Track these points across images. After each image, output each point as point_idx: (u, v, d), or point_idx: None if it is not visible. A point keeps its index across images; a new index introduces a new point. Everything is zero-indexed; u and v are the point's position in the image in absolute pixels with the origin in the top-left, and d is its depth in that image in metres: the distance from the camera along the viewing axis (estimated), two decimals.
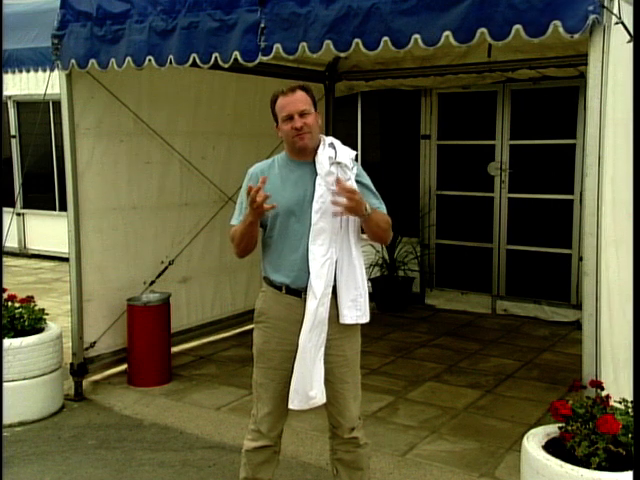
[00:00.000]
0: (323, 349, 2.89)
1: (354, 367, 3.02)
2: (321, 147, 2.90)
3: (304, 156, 2.91)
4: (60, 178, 9.80)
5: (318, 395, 2.90)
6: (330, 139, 2.95)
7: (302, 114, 2.83)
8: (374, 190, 3.02)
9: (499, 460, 3.91)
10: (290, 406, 2.93)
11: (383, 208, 3.01)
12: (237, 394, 4.91)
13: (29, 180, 10.29)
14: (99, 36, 4.33)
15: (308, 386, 2.87)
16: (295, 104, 2.83)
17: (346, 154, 2.91)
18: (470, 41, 3.14)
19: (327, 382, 2.95)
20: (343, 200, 2.74)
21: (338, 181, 2.77)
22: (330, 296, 2.86)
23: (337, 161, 2.84)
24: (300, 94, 2.85)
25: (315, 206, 2.83)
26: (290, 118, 2.83)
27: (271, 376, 2.98)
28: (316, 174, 2.87)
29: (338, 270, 2.89)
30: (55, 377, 4.70)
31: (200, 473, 3.86)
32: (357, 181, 2.93)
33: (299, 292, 2.90)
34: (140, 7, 4.17)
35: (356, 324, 2.99)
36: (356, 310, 2.92)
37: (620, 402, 2.83)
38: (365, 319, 2.97)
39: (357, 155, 3.00)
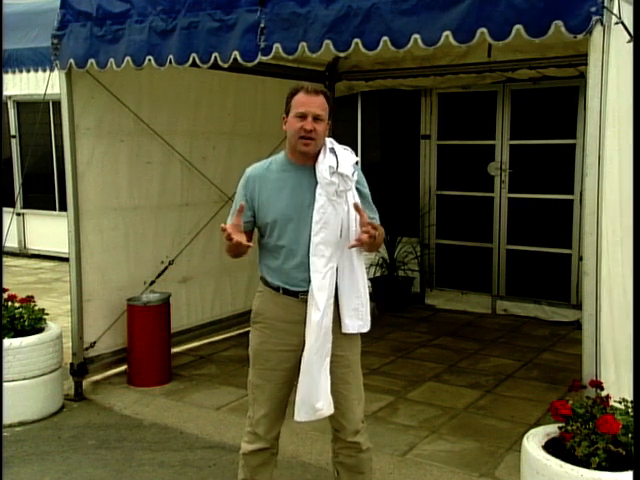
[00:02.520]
0: (328, 359, 2.86)
1: (355, 368, 3.00)
2: (322, 154, 2.84)
3: (304, 160, 2.86)
4: (60, 178, 9.80)
5: (325, 406, 2.86)
6: (330, 142, 2.88)
7: (316, 118, 2.78)
8: (371, 200, 3.00)
9: (499, 460, 3.91)
10: (296, 418, 2.90)
11: (377, 219, 2.99)
12: (237, 394, 4.91)
13: (29, 180, 10.29)
14: (99, 36, 4.33)
15: (314, 398, 2.84)
16: (313, 106, 2.78)
17: (347, 162, 2.84)
18: (470, 41, 3.14)
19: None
20: (364, 237, 2.73)
21: (360, 214, 2.75)
22: (333, 306, 2.84)
23: (339, 172, 2.79)
24: (322, 99, 2.81)
25: (316, 217, 2.80)
26: (303, 117, 2.78)
27: (268, 377, 2.97)
28: (315, 180, 2.82)
29: (339, 278, 2.87)
30: (55, 377, 4.69)
31: (200, 473, 3.86)
32: (357, 189, 2.90)
33: (296, 293, 2.89)
34: (140, 7, 4.17)
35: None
36: (358, 320, 2.91)
37: (620, 402, 2.83)
38: (366, 328, 2.95)
39: (356, 154, 2.96)
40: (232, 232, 2.73)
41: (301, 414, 2.89)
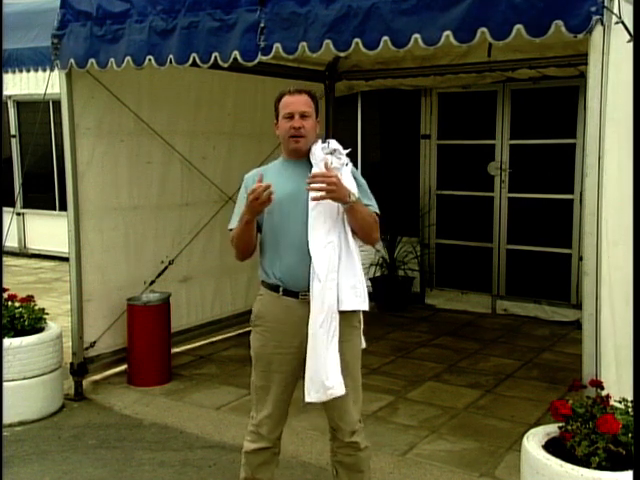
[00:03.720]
0: (337, 338, 2.82)
1: (353, 370, 2.98)
2: (314, 144, 2.94)
3: (299, 156, 2.95)
4: (60, 178, 9.80)
5: (336, 385, 2.81)
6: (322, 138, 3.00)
7: (303, 115, 2.89)
8: (367, 189, 3.03)
9: (499, 460, 3.91)
10: (307, 399, 2.84)
11: (374, 207, 3.00)
12: (237, 394, 4.91)
13: (29, 180, 10.28)
14: (99, 36, 4.33)
15: (323, 375, 2.79)
16: (298, 105, 2.90)
17: (338, 144, 2.94)
18: (470, 41, 3.15)
19: None
20: (321, 185, 2.73)
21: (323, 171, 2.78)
22: (335, 282, 2.82)
23: (330, 150, 2.88)
24: (305, 97, 2.93)
25: (312, 193, 2.83)
26: (291, 117, 2.89)
27: (270, 379, 2.97)
28: (311, 169, 2.88)
29: (336, 256, 2.86)
30: (55, 377, 4.70)
31: (200, 473, 3.86)
32: (354, 177, 2.94)
33: (296, 293, 2.89)
34: (140, 7, 4.17)
35: (355, 328, 2.98)
36: (355, 297, 2.88)
37: (620, 402, 2.83)
38: (365, 306, 2.93)
39: (356, 154, 3.00)
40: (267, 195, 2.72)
41: (311, 394, 2.84)
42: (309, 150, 2.93)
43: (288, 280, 2.90)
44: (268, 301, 2.98)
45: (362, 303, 2.92)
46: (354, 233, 2.92)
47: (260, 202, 2.75)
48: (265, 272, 2.98)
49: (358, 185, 2.95)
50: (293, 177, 2.93)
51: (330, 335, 2.81)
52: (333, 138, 3.00)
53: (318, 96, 3.05)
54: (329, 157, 2.86)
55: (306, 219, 2.84)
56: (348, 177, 2.89)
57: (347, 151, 2.97)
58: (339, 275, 2.85)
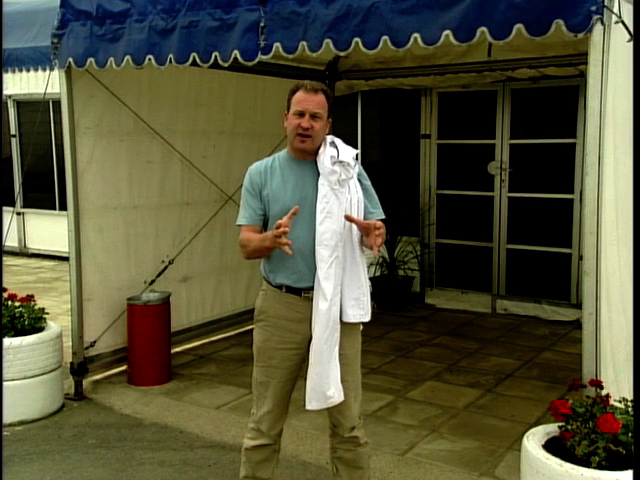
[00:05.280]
0: (337, 348, 2.88)
1: (354, 366, 3.02)
2: (322, 147, 2.90)
3: (304, 155, 2.91)
4: (60, 177, 9.81)
5: (336, 394, 2.88)
6: (331, 137, 2.95)
7: (314, 116, 2.83)
8: (374, 193, 3.03)
9: (499, 459, 3.91)
10: (308, 407, 2.90)
11: (380, 212, 3.00)
12: (237, 393, 4.91)
13: (29, 179, 10.29)
14: (99, 35, 4.33)
15: (325, 386, 2.85)
16: (312, 104, 2.82)
17: (348, 153, 2.90)
18: (470, 40, 3.14)
19: None
20: (377, 241, 2.73)
21: (355, 222, 2.78)
22: (340, 295, 2.86)
23: (339, 160, 2.84)
24: (320, 97, 2.85)
25: (319, 206, 2.83)
26: (302, 115, 2.83)
27: (271, 374, 2.98)
28: (318, 173, 2.86)
29: (341, 269, 2.88)
30: (55, 376, 4.70)
31: (200, 472, 3.86)
32: (359, 180, 2.95)
33: (299, 291, 2.90)
34: (140, 6, 4.17)
35: (357, 323, 3.00)
36: (359, 309, 2.93)
37: (620, 401, 2.83)
38: (367, 318, 2.98)
39: (357, 154, 3.00)
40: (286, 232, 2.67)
41: (312, 402, 2.89)
42: (315, 151, 2.89)
43: (292, 281, 2.91)
44: (270, 297, 2.99)
45: (364, 315, 2.96)
46: (361, 240, 2.92)
47: (279, 242, 2.66)
48: (268, 274, 2.99)
49: (364, 189, 2.96)
50: (298, 181, 2.89)
51: (332, 346, 2.86)
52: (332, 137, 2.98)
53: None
54: (337, 168, 2.82)
55: (312, 225, 2.83)
56: (355, 187, 2.89)
57: (355, 153, 2.94)
58: (343, 287, 2.88)
